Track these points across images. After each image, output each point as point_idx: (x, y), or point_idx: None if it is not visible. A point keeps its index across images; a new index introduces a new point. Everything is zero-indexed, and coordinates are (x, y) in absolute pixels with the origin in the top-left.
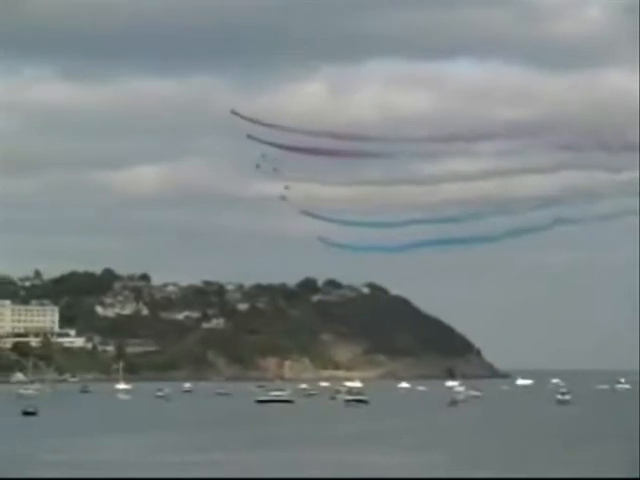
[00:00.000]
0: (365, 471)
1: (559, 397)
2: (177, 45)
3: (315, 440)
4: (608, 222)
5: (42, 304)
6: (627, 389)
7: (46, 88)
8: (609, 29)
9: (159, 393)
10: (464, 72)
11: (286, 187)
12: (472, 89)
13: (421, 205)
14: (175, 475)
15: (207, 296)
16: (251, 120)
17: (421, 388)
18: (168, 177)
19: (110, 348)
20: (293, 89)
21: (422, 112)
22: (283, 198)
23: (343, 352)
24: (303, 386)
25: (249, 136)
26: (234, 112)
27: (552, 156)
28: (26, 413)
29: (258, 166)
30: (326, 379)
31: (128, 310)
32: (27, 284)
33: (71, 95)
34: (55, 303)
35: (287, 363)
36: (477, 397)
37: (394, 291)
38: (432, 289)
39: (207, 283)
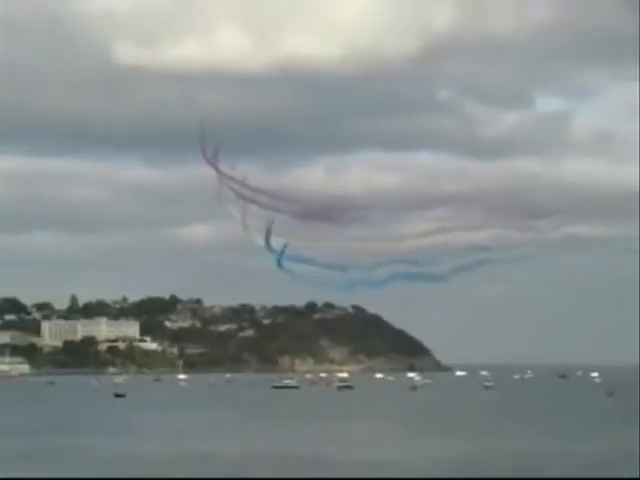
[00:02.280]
0: (351, 436)
1: (485, 384)
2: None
3: (315, 413)
4: (519, 264)
5: (127, 320)
6: (531, 378)
7: (132, 171)
8: (523, 131)
9: (211, 381)
10: (423, 160)
11: (285, 245)
12: (429, 172)
13: (391, 253)
14: (176, 475)
15: (242, 314)
16: (259, 190)
17: (390, 378)
18: (215, 232)
19: (174, 350)
20: (297, 173)
21: (394, 188)
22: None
23: (336, 353)
24: (308, 376)
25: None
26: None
27: (482, 218)
28: (117, 395)
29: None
30: (324, 372)
31: (187, 324)
32: (117, 306)
33: (149, 176)
34: (136, 319)
35: (297, 361)
36: (429, 384)
37: (371, 310)
38: (398, 310)
39: (242, 305)
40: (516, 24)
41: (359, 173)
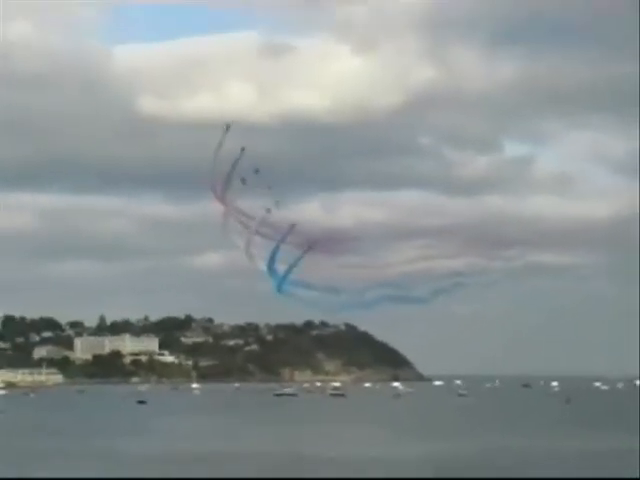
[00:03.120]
0: (342, 437)
1: (459, 392)
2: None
3: (310, 417)
4: (489, 288)
5: (148, 336)
6: (499, 386)
7: (152, 207)
8: (493, 172)
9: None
10: (407, 197)
11: (289, 270)
12: (411, 207)
13: (379, 279)
14: (180, 475)
15: (247, 331)
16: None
17: (377, 387)
18: (224, 259)
19: (189, 362)
20: (297, 208)
21: (381, 222)
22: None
23: (330, 365)
24: (305, 385)
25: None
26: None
27: (458, 248)
28: (139, 402)
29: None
30: (319, 381)
31: (200, 340)
32: (140, 324)
33: (167, 211)
34: (156, 335)
35: (296, 372)
36: (411, 392)
37: (361, 328)
38: (384, 327)
39: (248, 323)
40: (486, 81)
41: (351, 208)
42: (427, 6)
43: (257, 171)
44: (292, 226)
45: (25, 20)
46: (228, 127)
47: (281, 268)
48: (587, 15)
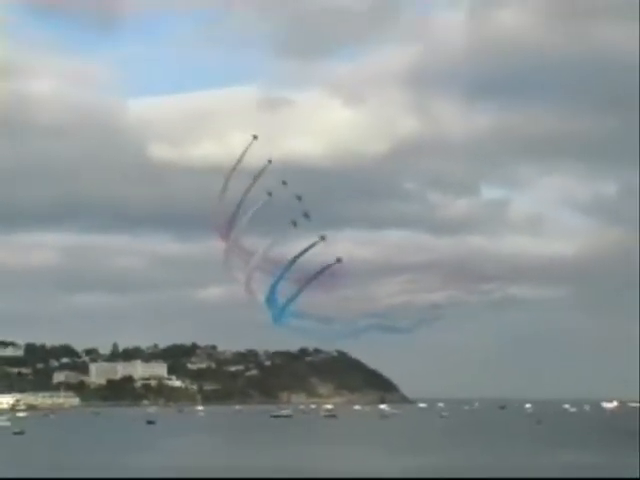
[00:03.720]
0: (334, 454)
1: (442, 414)
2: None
3: (304, 436)
4: (468, 318)
5: (157, 362)
6: (477, 408)
7: (161, 245)
8: (472, 214)
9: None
10: (394, 237)
11: (288, 302)
12: (398, 246)
13: (368, 310)
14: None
15: (248, 357)
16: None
17: (366, 409)
18: (226, 292)
19: (194, 387)
20: (294, 246)
21: (370, 259)
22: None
23: (323, 388)
24: (301, 407)
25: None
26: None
27: (440, 282)
28: (149, 422)
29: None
30: (313, 403)
31: (204, 365)
32: (149, 351)
33: (174, 248)
34: (165, 362)
35: (292, 395)
36: (397, 414)
37: (351, 355)
38: (372, 354)
39: (248, 350)
40: (465, 131)
41: (343, 246)
42: (410, 64)
43: (307, 215)
44: (292, 262)
45: (48, 77)
46: (255, 137)
47: (280, 299)
48: (555, 73)
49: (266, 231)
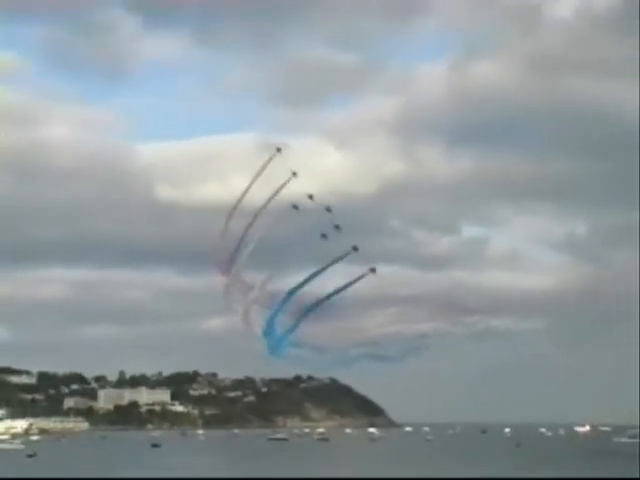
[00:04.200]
0: (330, 473)
1: (427, 437)
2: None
3: (299, 458)
4: (452, 348)
5: (162, 389)
6: (460, 432)
7: (166, 279)
8: (454, 250)
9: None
10: (382, 271)
11: (286, 334)
12: (384, 280)
13: (358, 340)
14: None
15: (246, 384)
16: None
17: (356, 432)
18: (225, 323)
19: (196, 411)
20: (288, 281)
21: (360, 291)
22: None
23: (316, 413)
24: (295, 431)
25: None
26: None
27: (425, 314)
28: (154, 445)
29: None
30: (307, 427)
31: (205, 392)
32: (154, 378)
33: (178, 282)
34: (168, 388)
35: (288, 419)
36: (385, 437)
37: (342, 382)
38: (362, 381)
39: (246, 377)
40: (447, 174)
41: (335, 280)
42: (397, 112)
43: (338, 227)
44: (288, 295)
45: (63, 124)
46: (279, 150)
47: (278, 330)
48: (530, 121)
49: (263, 266)
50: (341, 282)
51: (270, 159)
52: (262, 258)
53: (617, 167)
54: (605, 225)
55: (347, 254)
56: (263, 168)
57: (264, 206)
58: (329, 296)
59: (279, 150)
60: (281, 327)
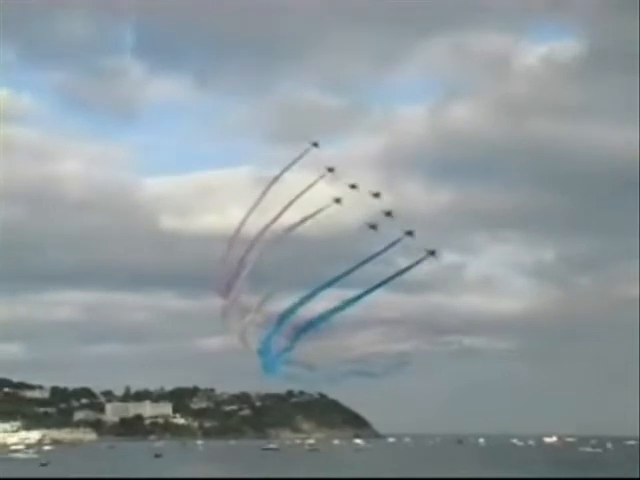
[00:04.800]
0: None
1: (409, 446)
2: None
3: (290, 466)
4: (431, 365)
5: (164, 402)
6: (439, 442)
7: (169, 301)
8: (433, 276)
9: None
10: (367, 296)
11: (283, 353)
12: (369, 303)
13: (345, 358)
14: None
15: (242, 398)
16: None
17: (343, 443)
18: (224, 342)
19: (195, 424)
20: (283, 303)
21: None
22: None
23: (307, 425)
24: (287, 442)
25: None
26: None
27: (406, 334)
28: (156, 455)
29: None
30: (298, 439)
31: (204, 405)
32: (157, 393)
33: (180, 304)
34: (170, 402)
35: (280, 431)
36: (369, 447)
37: (331, 396)
38: (349, 396)
39: (242, 393)
40: (427, 206)
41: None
42: (380, 150)
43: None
44: (282, 318)
45: (75, 159)
46: (316, 144)
47: (273, 349)
48: (502, 157)
49: (259, 290)
50: (329, 306)
51: (303, 154)
52: (258, 282)
53: (580, 200)
54: (570, 253)
55: (400, 240)
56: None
57: (261, 233)
58: (339, 308)
59: (316, 145)
60: (276, 347)
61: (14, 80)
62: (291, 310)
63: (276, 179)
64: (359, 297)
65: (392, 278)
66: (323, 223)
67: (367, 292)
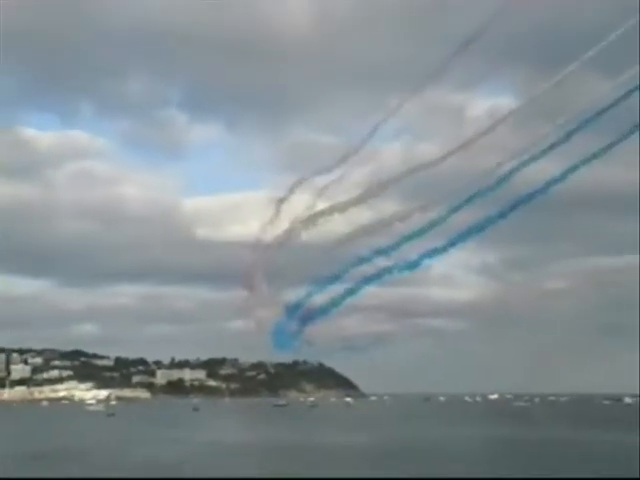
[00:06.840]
0: (316, 429)
1: (386, 403)
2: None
3: (295, 418)
4: (403, 342)
5: (200, 369)
6: (409, 400)
7: (205, 293)
8: (411, 274)
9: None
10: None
11: (300, 338)
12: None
13: (339, 336)
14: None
15: (259, 367)
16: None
17: (337, 401)
18: (244, 325)
19: (224, 385)
20: (290, 293)
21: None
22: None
23: (309, 387)
24: (293, 400)
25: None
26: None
27: (383, 318)
28: (194, 409)
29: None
30: (302, 397)
31: (230, 372)
32: (195, 362)
33: (213, 296)
34: (204, 369)
35: (288, 392)
36: (357, 404)
37: (327, 365)
38: (341, 364)
39: (259, 362)
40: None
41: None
42: (366, 177)
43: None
44: (292, 308)
45: (134, 185)
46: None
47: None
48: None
49: (274, 285)
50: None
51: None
52: (273, 278)
53: (518, 216)
54: (508, 256)
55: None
56: (278, 211)
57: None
58: (335, 303)
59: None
60: (286, 330)
61: (93, 127)
62: (299, 301)
63: (285, 199)
64: (352, 291)
65: (379, 276)
66: (321, 231)
67: (358, 287)
